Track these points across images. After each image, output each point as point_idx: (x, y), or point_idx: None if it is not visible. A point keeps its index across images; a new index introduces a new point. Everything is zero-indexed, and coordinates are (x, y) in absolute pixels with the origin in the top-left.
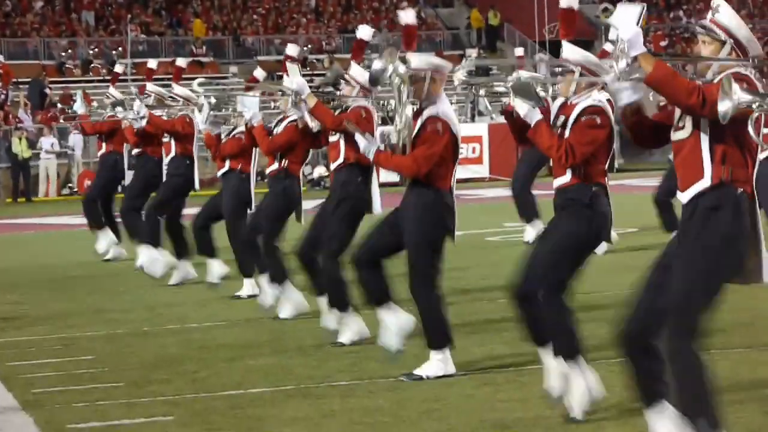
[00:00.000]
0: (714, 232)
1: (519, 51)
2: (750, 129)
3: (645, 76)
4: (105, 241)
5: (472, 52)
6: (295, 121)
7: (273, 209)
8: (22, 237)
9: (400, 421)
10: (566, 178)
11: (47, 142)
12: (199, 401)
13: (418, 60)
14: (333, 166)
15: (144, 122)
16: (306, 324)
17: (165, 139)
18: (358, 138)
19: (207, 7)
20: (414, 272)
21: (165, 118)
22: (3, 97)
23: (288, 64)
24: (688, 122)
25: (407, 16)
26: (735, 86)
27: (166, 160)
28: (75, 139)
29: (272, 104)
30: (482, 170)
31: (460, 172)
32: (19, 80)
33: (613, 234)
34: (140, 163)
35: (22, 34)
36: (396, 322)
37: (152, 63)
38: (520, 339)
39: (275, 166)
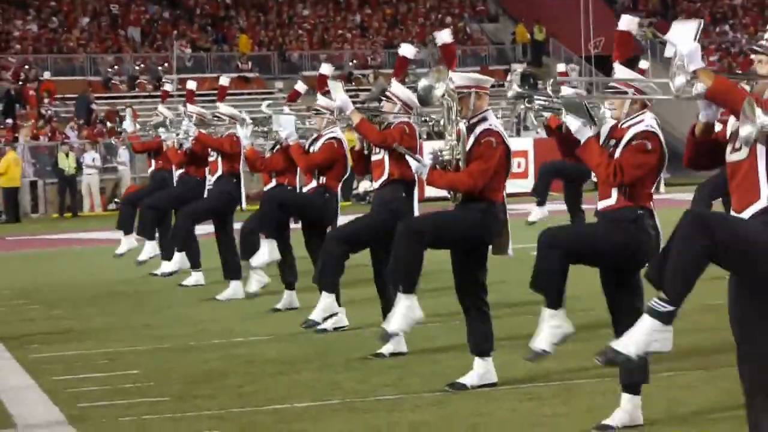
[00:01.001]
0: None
1: (561, 67)
2: None
3: (705, 90)
4: (127, 245)
5: (518, 67)
6: (333, 138)
7: (304, 204)
8: (68, 252)
9: None
10: (611, 200)
11: (89, 157)
12: (244, 416)
13: (461, 78)
14: (377, 184)
15: (191, 141)
16: (351, 338)
17: (211, 158)
18: (410, 159)
19: (253, 23)
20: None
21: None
22: (49, 113)
23: (330, 82)
24: (745, 144)
25: (443, 36)
26: (758, 110)
27: (212, 179)
28: (123, 154)
29: (306, 122)
30: (527, 185)
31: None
32: (66, 96)
33: None
34: (182, 182)
35: (69, 50)
36: (410, 312)
37: (191, 84)
38: (566, 354)
39: (313, 183)
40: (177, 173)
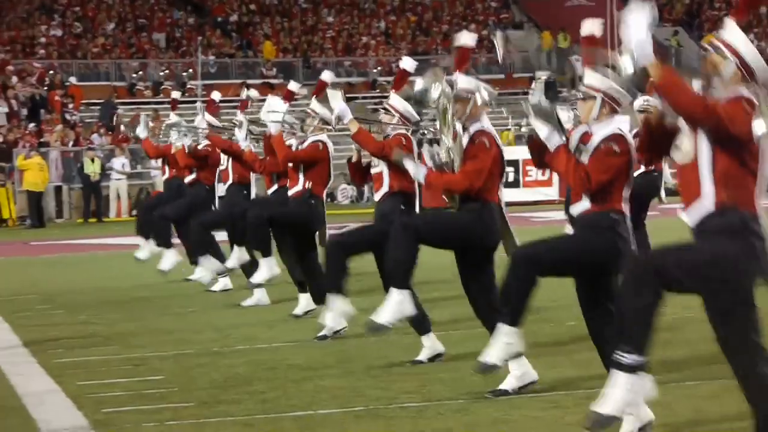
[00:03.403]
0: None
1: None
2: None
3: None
4: (146, 251)
5: (542, 74)
6: (319, 140)
7: (292, 217)
8: (93, 257)
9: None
10: (585, 205)
11: (118, 162)
12: (268, 422)
13: (466, 81)
14: (377, 197)
15: (202, 141)
16: (373, 345)
17: (222, 167)
18: (407, 163)
19: (277, 30)
20: None
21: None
22: (74, 118)
23: (330, 90)
24: (689, 143)
25: (463, 38)
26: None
27: (223, 187)
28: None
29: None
30: (552, 192)
31: (530, 194)
32: (90, 102)
33: None
34: (192, 190)
35: (93, 56)
36: (401, 306)
37: (216, 95)
38: (588, 362)
39: (298, 187)
40: (187, 179)
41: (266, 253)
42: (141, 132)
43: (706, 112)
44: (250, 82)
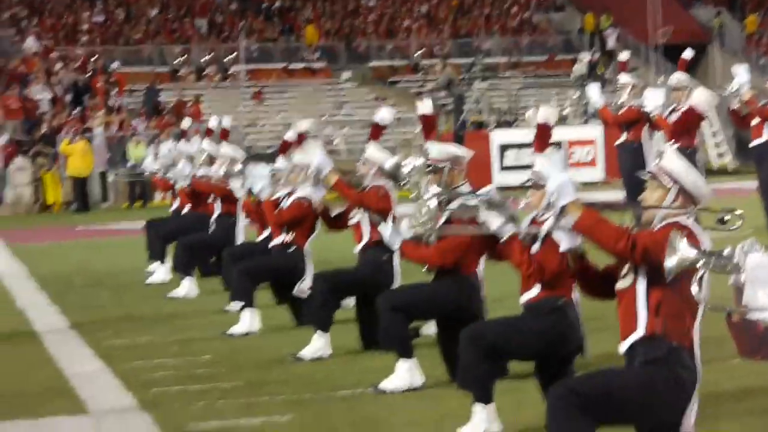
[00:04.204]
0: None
1: (624, 55)
2: (694, 285)
3: (572, 223)
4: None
5: (585, 56)
6: (303, 198)
7: (273, 262)
8: (137, 240)
9: (519, 422)
10: (533, 292)
11: (165, 147)
12: (316, 402)
13: (437, 151)
14: (357, 248)
15: (187, 182)
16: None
17: (210, 200)
18: (382, 228)
19: (319, 13)
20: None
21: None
22: (118, 104)
23: (308, 142)
24: (630, 272)
25: (424, 107)
26: (682, 242)
27: (211, 220)
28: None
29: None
30: (596, 173)
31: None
32: (133, 87)
33: None
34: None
35: (136, 41)
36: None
37: (213, 122)
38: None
39: (281, 239)
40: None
41: (250, 304)
42: (150, 165)
43: (629, 247)
44: (292, 66)
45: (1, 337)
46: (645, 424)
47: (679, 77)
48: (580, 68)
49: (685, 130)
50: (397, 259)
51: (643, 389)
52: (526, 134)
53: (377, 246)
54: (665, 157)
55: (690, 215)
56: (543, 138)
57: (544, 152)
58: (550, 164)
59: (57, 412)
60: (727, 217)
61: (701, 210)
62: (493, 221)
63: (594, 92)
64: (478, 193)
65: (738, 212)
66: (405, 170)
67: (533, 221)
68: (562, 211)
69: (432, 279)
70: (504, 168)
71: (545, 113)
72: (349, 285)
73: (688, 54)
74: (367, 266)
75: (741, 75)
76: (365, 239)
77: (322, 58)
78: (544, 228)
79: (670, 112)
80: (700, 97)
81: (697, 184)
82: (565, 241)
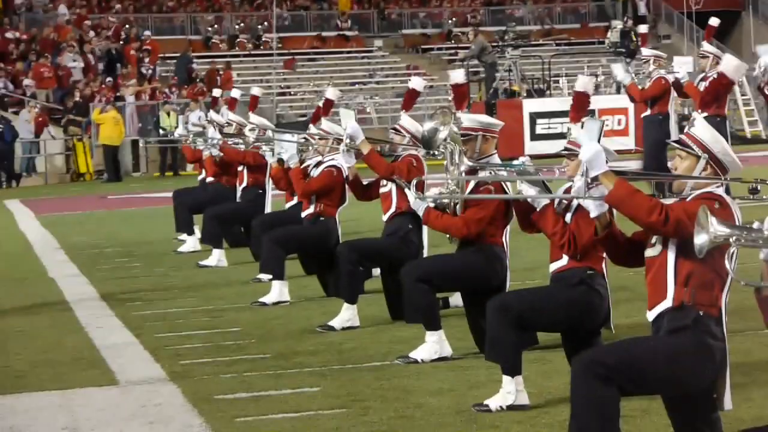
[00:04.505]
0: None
1: (643, 28)
2: (726, 261)
3: (606, 195)
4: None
5: (618, 24)
6: (332, 166)
7: (307, 233)
8: (168, 210)
9: (546, 392)
10: (563, 262)
11: (195, 116)
12: (345, 373)
13: (469, 120)
14: (385, 217)
15: (216, 150)
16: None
17: (240, 168)
18: (409, 193)
19: None
20: None
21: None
22: (150, 72)
23: (342, 110)
24: (659, 241)
25: (456, 76)
26: (712, 219)
27: (239, 189)
28: (225, 113)
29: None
30: (628, 142)
31: (608, 144)
32: (166, 55)
33: None
34: (213, 189)
35: (169, 9)
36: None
37: (236, 93)
38: None
39: (311, 209)
40: (208, 179)
41: (279, 276)
42: (181, 131)
43: (661, 220)
44: (325, 34)
45: (33, 307)
46: (672, 394)
47: (705, 45)
48: (614, 35)
49: (714, 98)
50: (425, 230)
51: (668, 358)
52: (559, 103)
53: (404, 215)
54: (695, 126)
55: (721, 185)
56: (580, 107)
57: (579, 121)
58: (585, 133)
59: (86, 383)
60: (759, 187)
61: (733, 180)
62: (528, 191)
63: (619, 70)
64: (514, 163)
65: None
66: (441, 136)
67: (567, 191)
68: (594, 181)
69: (456, 249)
70: (535, 137)
71: (583, 82)
72: (374, 254)
73: (714, 21)
74: (393, 236)
75: (764, 56)
76: (393, 209)
77: (354, 26)
78: (573, 196)
79: (700, 81)
80: (729, 65)
81: (727, 152)
82: (593, 209)
